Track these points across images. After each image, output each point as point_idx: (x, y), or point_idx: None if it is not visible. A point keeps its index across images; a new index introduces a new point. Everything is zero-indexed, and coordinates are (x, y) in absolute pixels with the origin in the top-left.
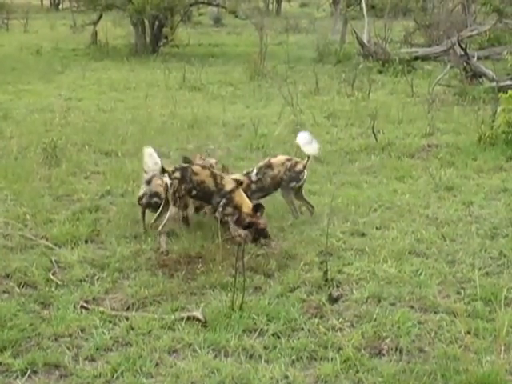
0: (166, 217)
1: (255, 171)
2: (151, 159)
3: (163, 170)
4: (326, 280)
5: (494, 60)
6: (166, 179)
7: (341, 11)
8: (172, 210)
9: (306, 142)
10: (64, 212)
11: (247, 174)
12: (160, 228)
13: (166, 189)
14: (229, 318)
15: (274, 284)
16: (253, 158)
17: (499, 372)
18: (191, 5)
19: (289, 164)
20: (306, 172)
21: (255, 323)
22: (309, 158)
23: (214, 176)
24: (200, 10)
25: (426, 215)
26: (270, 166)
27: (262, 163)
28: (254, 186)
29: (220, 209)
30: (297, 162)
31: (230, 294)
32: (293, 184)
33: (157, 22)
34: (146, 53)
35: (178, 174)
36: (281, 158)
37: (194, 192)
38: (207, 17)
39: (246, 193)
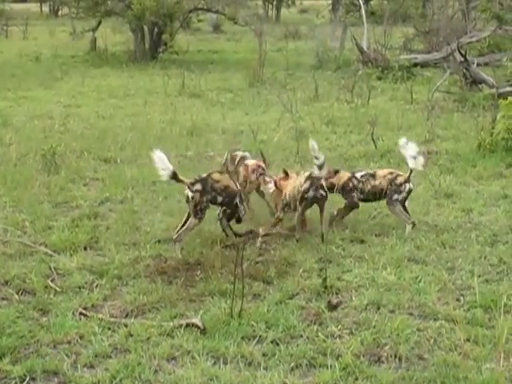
0: (185, 226)
1: (362, 173)
2: (161, 164)
3: (177, 179)
4: (325, 287)
5: (494, 66)
6: (187, 192)
7: (340, 18)
8: (192, 221)
9: (413, 155)
10: (63, 219)
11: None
12: (175, 236)
13: (188, 201)
14: (228, 325)
15: (273, 291)
16: None
17: (499, 379)
18: (190, 11)
19: (391, 177)
20: (408, 185)
21: (254, 330)
22: (411, 171)
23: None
24: (199, 17)
25: (425, 222)
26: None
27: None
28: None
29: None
30: (398, 175)
31: (229, 301)
32: (395, 197)
33: (156, 29)
34: (146, 59)
35: (198, 187)
36: (385, 171)
37: (219, 199)
38: (206, 23)
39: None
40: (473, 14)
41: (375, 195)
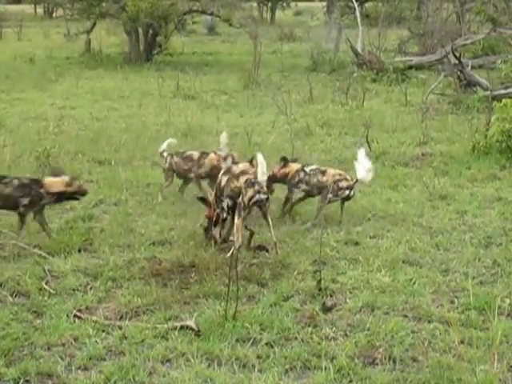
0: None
1: (312, 167)
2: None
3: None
4: (320, 289)
5: (488, 69)
6: None
7: (335, 20)
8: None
9: (366, 169)
10: (57, 221)
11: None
12: None
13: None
14: (222, 327)
15: (268, 293)
16: None
17: (493, 381)
18: (185, 13)
19: (338, 178)
20: (348, 192)
21: (248, 332)
22: (357, 181)
23: None
24: (194, 19)
25: (419, 224)
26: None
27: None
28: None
29: None
30: (345, 179)
31: (224, 303)
32: (329, 196)
33: (151, 31)
34: (140, 61)
35: None
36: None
37: None
38: (201, 25)
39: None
40: (467, 17)
41: (319, 190)
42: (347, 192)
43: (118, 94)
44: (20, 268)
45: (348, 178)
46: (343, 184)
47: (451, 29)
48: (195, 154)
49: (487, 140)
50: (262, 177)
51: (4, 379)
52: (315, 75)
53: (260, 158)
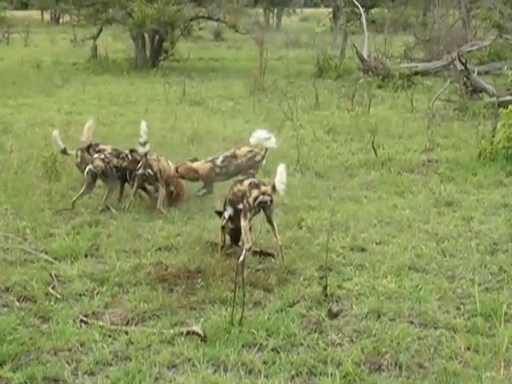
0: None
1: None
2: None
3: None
4: (326, 295)
5: (494, 75)
6: None
7: (341, 26)
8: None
9: (264, 138)
10: (64, 226)
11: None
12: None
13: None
14: (228, 332)
15: (274, 299)
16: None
17: None
18: (191, 19)
19: (250, 155)
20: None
21: (255, 338)
22: (266, 150)
23: None
24: (200, 25)
25: (425, 230)
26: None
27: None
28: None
29: None
30: (256, 153)
31: (230, 309)
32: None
33: (157, 37)
34: (146, 67)
35: None
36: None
37: None
38: (207, 31)
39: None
40: (473, 23)
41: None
42: (263, 162)
43: (124, 99)
44: (26, 273)
45: (257, 150)
46: (258, 158)
47: (457, 35)
48: None
49: (493, 146)
50: (280, 186)
51: None
52: (321, 81)
53: (281, 168)
